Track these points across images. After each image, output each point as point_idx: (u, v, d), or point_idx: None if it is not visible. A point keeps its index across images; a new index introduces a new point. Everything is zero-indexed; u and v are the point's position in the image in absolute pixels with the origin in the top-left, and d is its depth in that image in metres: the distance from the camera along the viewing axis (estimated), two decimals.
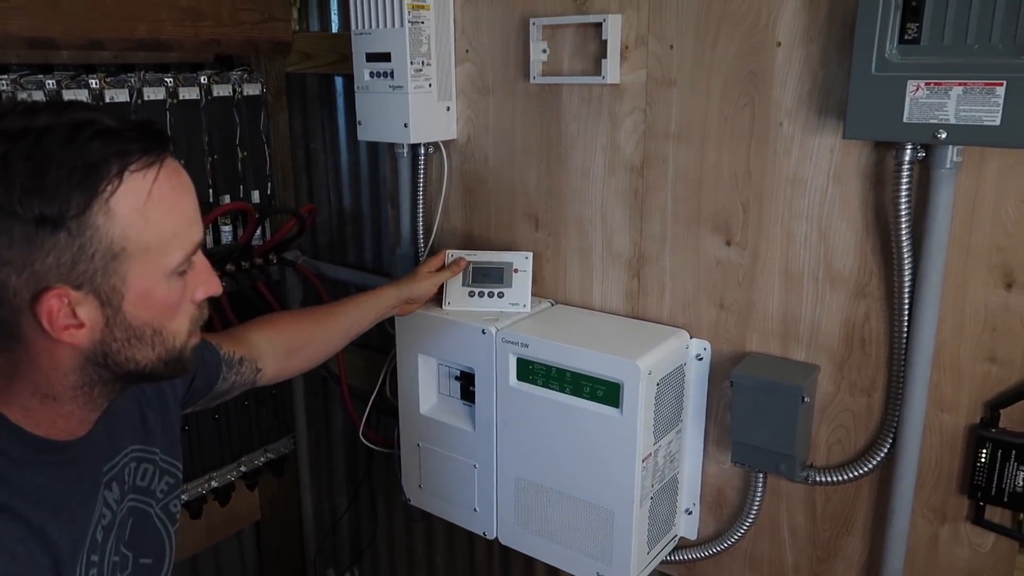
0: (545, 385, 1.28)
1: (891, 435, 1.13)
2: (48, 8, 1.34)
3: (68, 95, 1.37)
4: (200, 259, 0.77)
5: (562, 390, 1.26)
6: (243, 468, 1.81)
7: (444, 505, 1.49)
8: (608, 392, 1.21)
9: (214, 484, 1.75)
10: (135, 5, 1.47)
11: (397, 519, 2.00)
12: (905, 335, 1.08)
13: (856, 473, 1.17)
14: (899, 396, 1.10)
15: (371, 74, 1.43)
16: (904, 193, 1.02)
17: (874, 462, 1.15)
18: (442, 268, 1.39)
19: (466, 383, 1.41)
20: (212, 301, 1.64)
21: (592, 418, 1.23)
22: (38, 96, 1.33)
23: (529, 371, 1.29)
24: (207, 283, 0.78)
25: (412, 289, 1.34)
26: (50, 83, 1.36)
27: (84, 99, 1.39)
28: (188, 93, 1.57)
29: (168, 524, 0.91)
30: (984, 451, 1.05)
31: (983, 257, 1.03)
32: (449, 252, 1.42)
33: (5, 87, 1.30)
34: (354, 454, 2.02)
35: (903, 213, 1.02)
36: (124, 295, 0.69)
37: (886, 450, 1.14)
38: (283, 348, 1.21)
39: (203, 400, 1.08)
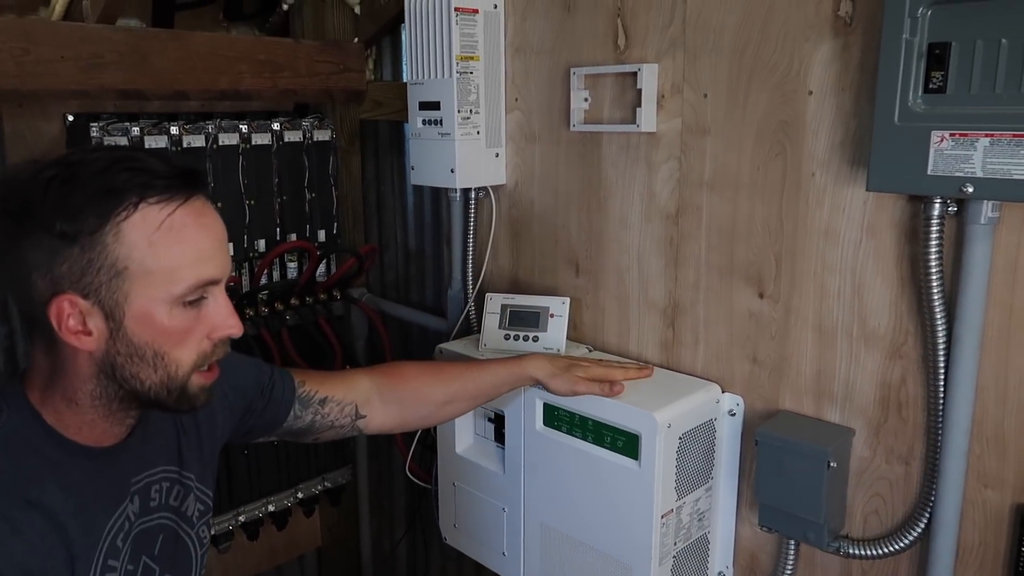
0: (569, 432, 1.26)
1: (928, 509, 1.04)
2: (138, 63, 1.49)
3: (149, 141, 1.51)
4: (221, 297, 0.81)
5: (584, 438, 1.24)
6: (300, 495, 1.88)
7: (476, 546, 1.49)
8: (627, 443, 1.18)
9: (271, 508, 1.82)
10: (217, 60, 1.60)
11: (449, 554, 2.01)
12: (941, 401, 1.00)
13: (892, 548, 1.08)
14: (937, 467, 1.02)
15: (423, 121, 1.50)
16: (934, 249, 0.96)
17: (911, 537, 1.06)
18: (594, 380, 1.20)
19: (499, 425, 1.42)
20: (273, 334, 1.73)
21: (612, 468, 1.20)
22: (122, 141, 1.47)
23: (555, 417, 1.28)
24: (224, 324, 0.81)
25: (554, 385, 1.20)
26: (135, 130, 1.50)
27: (164, 145, 1.53)
28: (261, 139, 1.69)
29: (198, 548, 0.96)
30: None
31: None
32: (489, 295, 1.44)
33: (95, 133, 1.46)
34: (412, 488, 2.05)
35: (933, 270, 0.96)
36: (125, 312, 0.77)
37: (923, 525, 1.05)
38: (396, 398, 1.16)
39: (276, 432, 1.09)
